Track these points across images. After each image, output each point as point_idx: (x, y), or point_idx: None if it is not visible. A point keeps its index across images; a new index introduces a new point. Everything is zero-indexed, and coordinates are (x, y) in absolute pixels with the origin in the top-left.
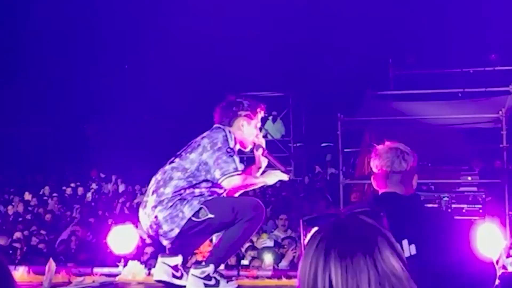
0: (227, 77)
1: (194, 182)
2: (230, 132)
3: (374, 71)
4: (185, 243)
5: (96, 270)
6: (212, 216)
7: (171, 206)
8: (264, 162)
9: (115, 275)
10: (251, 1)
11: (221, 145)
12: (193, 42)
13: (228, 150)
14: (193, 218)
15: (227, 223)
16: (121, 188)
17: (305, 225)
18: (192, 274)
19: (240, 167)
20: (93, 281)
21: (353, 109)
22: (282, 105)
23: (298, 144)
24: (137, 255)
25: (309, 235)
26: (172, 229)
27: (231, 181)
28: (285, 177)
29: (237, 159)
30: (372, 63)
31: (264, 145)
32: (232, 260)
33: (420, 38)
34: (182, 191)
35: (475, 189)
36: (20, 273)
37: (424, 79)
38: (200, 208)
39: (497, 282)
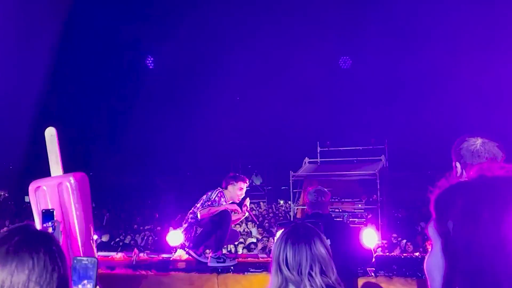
0: (235, 154)
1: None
2: (219, 192)
3: (309, 147)
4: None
5: (162, 255)
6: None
7: (187, 226)
8: (244, 208)
9: (170, 258)
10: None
11: (205, 197)
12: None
13: (206, 200)
14: (198, 229)
15: (214, 226)
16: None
17: (278, 226)
18: (211, 257)
19: (205, 205)
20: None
21: (298, 168)
22: (260, 167)
23: (269, 188)
24: (181, 246)
25: (278, 232)
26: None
27: (202, 212)
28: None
29: (212, 203)
30: (308, 143)
31: (246, 202)
32: (232, 250)
33: (334, 133)
34: (191, 219)
35: (362, 210)
36: None
37: (336, 153)
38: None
39: (373, 260)
